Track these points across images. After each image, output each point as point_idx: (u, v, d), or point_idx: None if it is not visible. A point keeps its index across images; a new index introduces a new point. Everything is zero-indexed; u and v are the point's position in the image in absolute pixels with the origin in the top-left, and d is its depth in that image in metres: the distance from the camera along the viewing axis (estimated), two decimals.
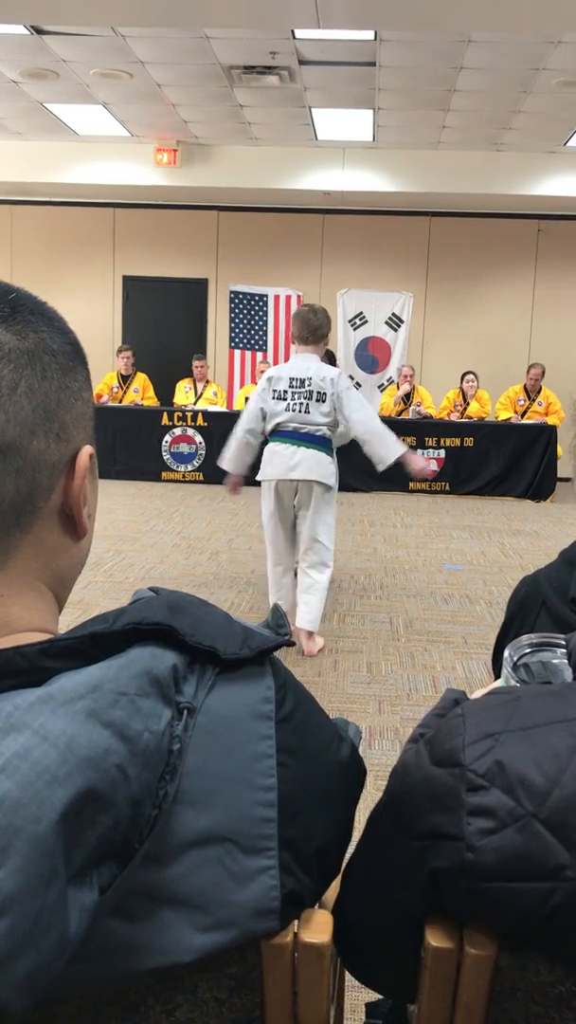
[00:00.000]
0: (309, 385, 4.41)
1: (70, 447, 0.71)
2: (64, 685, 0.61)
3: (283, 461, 4.45)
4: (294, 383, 4.43)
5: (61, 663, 0.63)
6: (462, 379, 10.78)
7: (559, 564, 1.27)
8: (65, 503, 0.71)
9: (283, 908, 0.70)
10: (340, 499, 6.72)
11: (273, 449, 4.51)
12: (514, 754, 0.71)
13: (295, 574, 4.68)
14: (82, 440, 0.73)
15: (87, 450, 0.73)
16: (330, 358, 6.37)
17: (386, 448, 4.51)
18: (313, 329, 4.45)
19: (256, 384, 10.72)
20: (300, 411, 4.42)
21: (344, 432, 4.61)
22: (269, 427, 4.51)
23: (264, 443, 4.60)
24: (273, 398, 4.46)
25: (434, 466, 10.25)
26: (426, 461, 5.08)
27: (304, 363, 4.46)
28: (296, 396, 4.42)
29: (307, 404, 4.42)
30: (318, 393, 4.40)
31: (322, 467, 4.47)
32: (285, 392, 4.43)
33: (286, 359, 8.27)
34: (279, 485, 4.48)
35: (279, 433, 4.48)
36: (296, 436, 4.45)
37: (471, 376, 10.64)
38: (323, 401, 4.41)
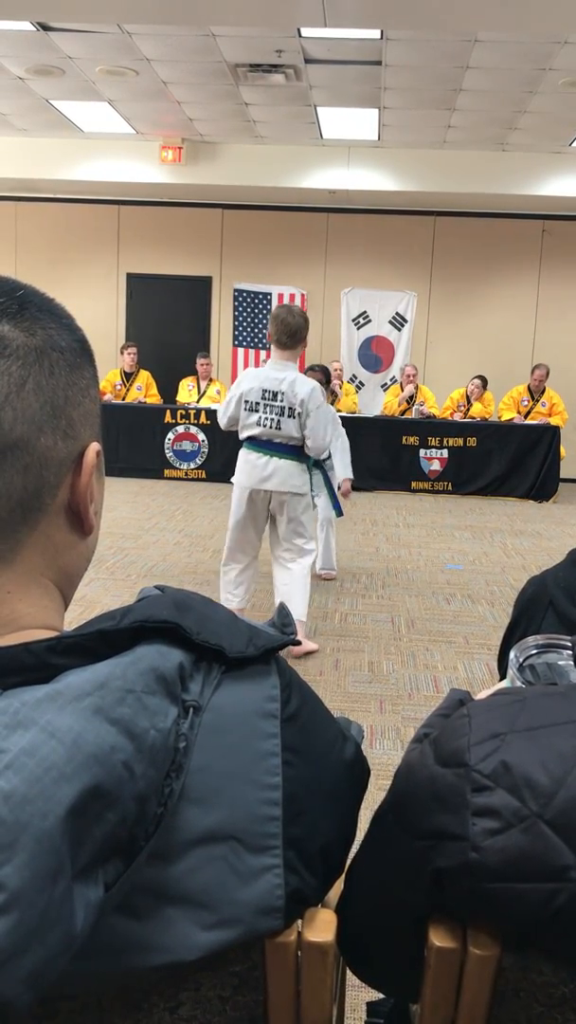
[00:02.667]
0: (282, 400, 4.28)
1: (77, 444, 0.71)
2: (71, 682, 0.61)
3: (257, 472, 4.39)
4: (267, 395, 4.29)
5: (68, 660, 0.63)
6: (471, 381, 10.77)
7: (567, 564, 1.27)
8: (72, 500, 0.71)
9: (287, 907, 0.70)
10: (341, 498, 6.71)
11: (246, 457, 4.44)
12: (520, 755, 0.71)
13: (252, 570, 4.67)
14: (89, 437, 0.73)
15: (94, 447, 0.73)
16: (325, 375, 6.23)
17: (333, 465, 4.63)
18: (292, 332, 4.26)
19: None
20: (271, 427, 4.32)
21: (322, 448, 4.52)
22: (242, 434, 4.44)
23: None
24: (245, 409, 4.35)
25: (437, 466, 10.26)
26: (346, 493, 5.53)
27: (279, 373, 4.31)
28: (268, 410, 4.30)
29: (278, 420, 4.31)
30: (289, 409, 4.29)
31: (294, 477, 4.40)
32: (257, 404, 4.31)
33: None
34: (252, 493, 4.43)
35: (252, 441, 4.40)
36: (269, 446, 4.38)
37: (477, 380, 10.63)
38: (294, 417, 4.30)
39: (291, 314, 4.30)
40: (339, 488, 5.54)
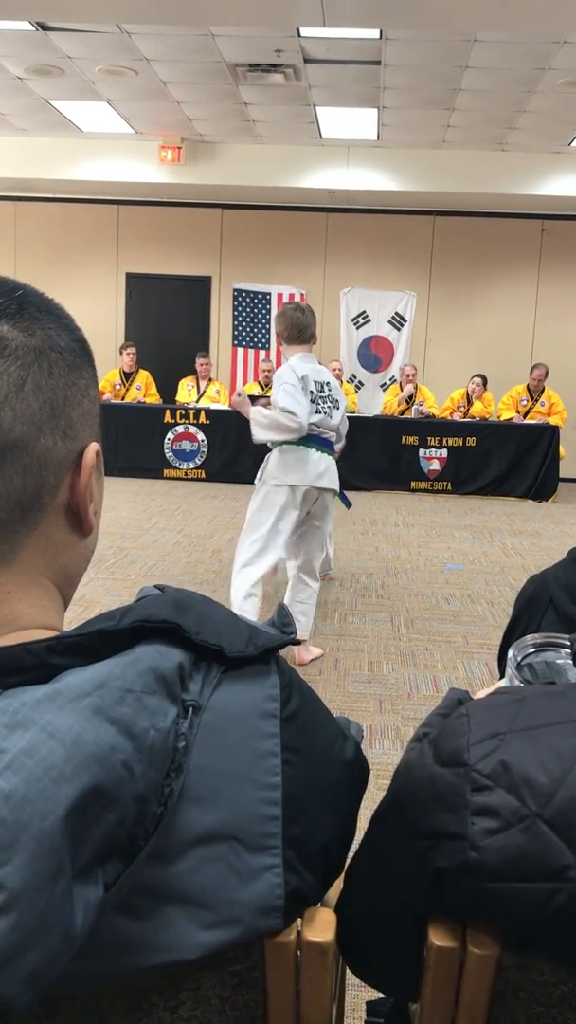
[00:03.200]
0: (329, 390, 4.29)
1: (77, 444, 0.71)
2: (71, 682, 0.61)
3: (314, 468, 4.25)
4: (318, 386, 4.26)
5: (68, 660, 0.63)
6: (471, 380, 10.78)
7: (567, 563, 1.27)
8: (71, 500, 0.71)
9: (287, 906, 0.70)
10: None
11: (300, 455, 4.25)
12: (519, 754, 0.71)
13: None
14: (88, 437, 0.73)
15: (93, 447, 0.73)
16: None
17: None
18: (302, 327, 4.22)
19: (258, 382, 10.77)
20: (328, 416, 4.28)
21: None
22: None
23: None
24: (310, 400, 4.21)
25: (436, 466, 10.26)
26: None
27: (318, 367, 4.31)
28: (323, 401, 4.25)
29: (332, 411, 4.29)
30: (334, 400, 4.31)
31: (337, 475, 4.40)
32: (315, 395, 4.24)
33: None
34: (307, 492, 4.27)
35: (311, 438, 4.24)
36: (322, 442, 4.30)
37: (477, 379, 10.63)
38: (338, 408, 4.34)
39: (299, 310, 4.27)
40: None
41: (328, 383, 4.30)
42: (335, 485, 4.37)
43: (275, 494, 4.27)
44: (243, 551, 4.38)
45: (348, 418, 4.95)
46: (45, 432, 0.68)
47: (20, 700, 0.59)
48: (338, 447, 4.53)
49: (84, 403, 0.72)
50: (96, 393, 0.75)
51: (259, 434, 4.24)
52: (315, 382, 4.23)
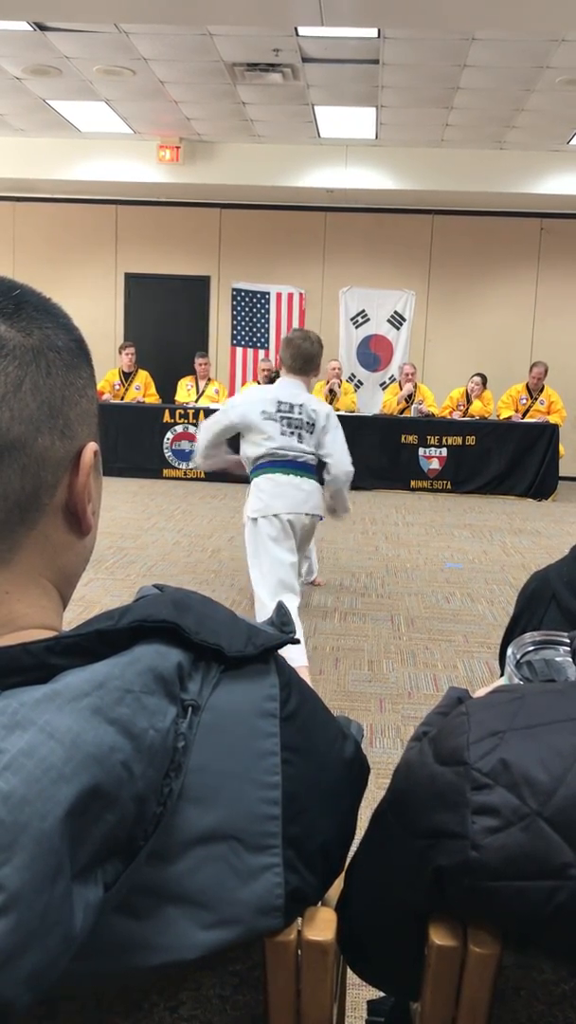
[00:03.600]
0: (300, 413, 4.02)
1: (75, 444, 0.71)
2: (70, 682, 0.61)
3: (295, 493, 4.02)
4: (283, 407, 4.00)
5: (66, 660, 0.63)
6: (471, 379, 10.78)
7: (569, 559, 1.28)
8: (70, 500, 0.71)
9: (287, 906, 0.70)
10: None
11: (278, 480, 4.01)
12: (518, 752, 0.71)
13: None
14: (86, 437, 0.73)
15: (91, 447, 0.73)
16: None
17: (343, 505, 4.28)
18: (308, 359, 4.03)
19: (257, 381, 10.77)
20: (296, 440, 4.01)
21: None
22: (259, 452, 4.03)
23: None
24: (263, 417, 3.99)
25: (436, 465, 10.26)
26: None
27: (294, 389, 4.06)
28: (287, 423, 4.00)
29: (299, 433, 4.01)
30: (308, 424, 4.03)
31: (320, 498, 4.16)
32: (275, 415, 4.00)
33: None
34: (293, 519, 4.03)
35: (281, 463, 4.00)
36: (297, 466, 4.04)
37: (477, 378, 10.63)
38: (312, 433, 4.04)
39: (307, 340, 4.07)
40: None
41: (300, 404, 4.03)
42: (319, 511, 4.15)
43: (267, 526, 4.05)
44: (261, 591, 4.10)
45: (348, 417, 4.77)
46: (43, 432, 0.68)
47: (19, 700, 0.59)
48: (340, 478, 4.18)
49: (82, 403, 0.72)
50: (94, 393, 0.75)
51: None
52: (279, 401, 4.01)
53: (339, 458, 4.13)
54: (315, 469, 4.15)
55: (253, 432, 4.06)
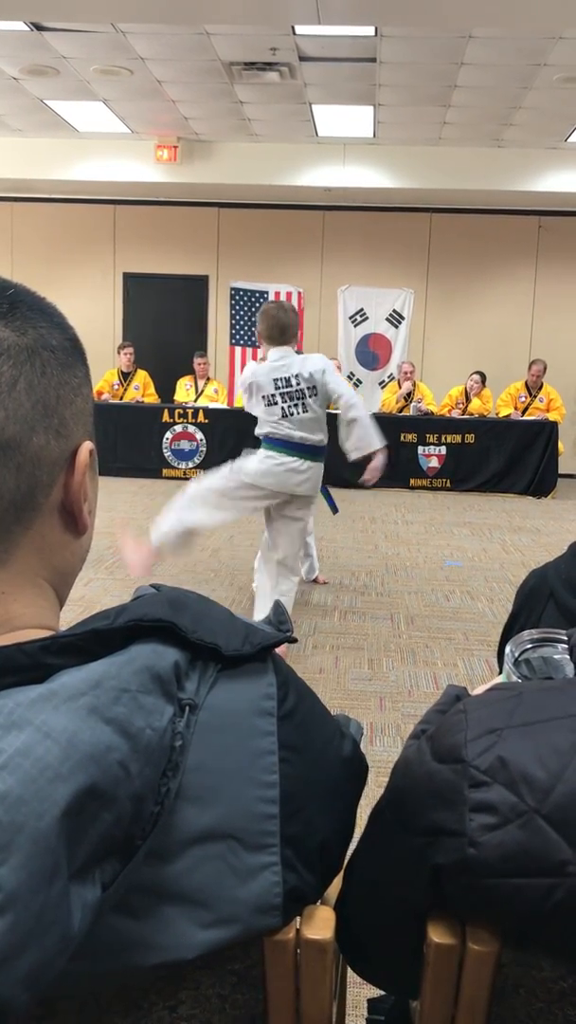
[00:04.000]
0: (297, 383, 4.20)
1: (70, 443, 0.71)
2: (66, 682, 0.61)
3: (290, 476, 4.28)
4: (279, 383, 4.20)
5: (63, 660, 0.63)
6: (470, 377, 10.78)
7: (568, 557, 1.27)
8: (66, 499, 0.71)
9: (285, 904, 0.70)
10: (341, 496, 6.72)
11: (278, 459, 4.27)
12: (516, 750, 0.71)
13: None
14: (82, 436, 0.73)
15: (87, 446, 0.73)
16: None
17: (369, 437, 4.28)
18: (283, 328, 4.19)
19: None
20: (299, 412, 4.22)
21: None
22: (264, 430, 4.31)
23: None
24: (264, 404, 4.25)
25: (435, 463, 10.25)
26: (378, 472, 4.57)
27: (283, 360, 4.22)
28: (286, 397, 4.21)
29: (303, 403, 4.22)
30: (310, 388, 4.21)
31: (317, 478, 4.37)
32: (274, 396, 4.23)
33: None
34: (280, 491, 4.32)
35: (283, 442, 4.26)
36: (292, 447, 4.27)
37: (476, 376, 10.63)
38: (316, 395, 4.22)
39: (283, 310, 4.24)
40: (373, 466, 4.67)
41: (293, 375, 4.20)
42: (309, 492, 4.33)
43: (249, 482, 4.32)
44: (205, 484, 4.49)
45: None
46: (38, 431, 0.68)
47: (15, 700, 0.59)
48: (356, 409, 4.28)
49: (77, 402, 0.72)
50: (89, 391, 0.75)
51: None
52: (274, 380, 4.21)
53: (348, 397, 4.26)
54: (315, 449, 4.31)
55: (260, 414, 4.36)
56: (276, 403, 4.24)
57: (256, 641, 0.72)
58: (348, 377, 11.47)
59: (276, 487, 4.29)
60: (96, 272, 12.17)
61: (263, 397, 4.26)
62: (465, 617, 5.34)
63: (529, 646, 0.93)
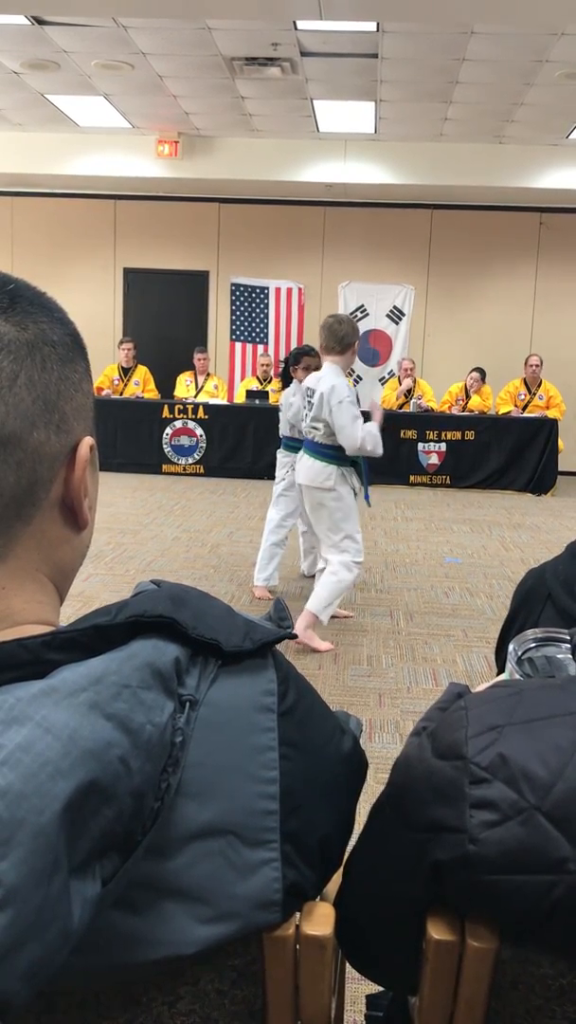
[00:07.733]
0: (311, 397, 4.56)
1: (70, 438, 0.71)
2: (66, 677, 0.61)
3: (299, 467, 4.76)
4: (308, 393, 4.60)
5: (63, 655, 0.63)
6: (469, 374, 10.76)
7: (566, 557, 1.27)
8: (66, 495, 0.71)
9: (285, 900, 0.70)
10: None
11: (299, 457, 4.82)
12: (517, 747, 0.71)
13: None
14: (82, 431, 0.73)
15: (87, 441, 0.73)
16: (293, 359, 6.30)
17: (368, 454, 4.58)
18: (339, 338, 4.50)
19: (256, 376, 10.86)
20: (311, 421, 4.61)
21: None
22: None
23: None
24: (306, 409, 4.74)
25: (435, 459, 10.25)
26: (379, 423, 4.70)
27: (321, 375, 4.59)
28: (309, 407, 4.62)
29: (306, 414, 4.64)
30: (315, 406, 4.55)
31: (314, 471, 4.59)
32: (308, 404, 4.64)
33: (287, 351, 8.29)
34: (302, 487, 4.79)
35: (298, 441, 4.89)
36: (305, 444, 4.72)
37: (476, 373, 10.62)
38: (320, 413, 4.54)
39: (338, 321, 4.55)
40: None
41: (313, 391, 4.54)
42: (306, 480, 4.63)
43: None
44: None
45: None
46: (38, 427, 0.68)
47: (16, 696, 0.59)
48: (348, 449, 4.51)
49: (77, 397, 0.72)
50: (89, 387, 0.75)
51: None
52: (307, 388, 4.62)
53: (342, 436, 4.45)
54: (320, 446, 4.57)
55: None
56: (307, 408, 4.71)
57: (257, 637, 0.72)
58: (348, 374, 11.44)
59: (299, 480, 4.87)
60: (97, 267, 12.15)
61: (308, 403, 4.69)
62: (464, 613, 5.34)
63: (532, 645, 0.93)
